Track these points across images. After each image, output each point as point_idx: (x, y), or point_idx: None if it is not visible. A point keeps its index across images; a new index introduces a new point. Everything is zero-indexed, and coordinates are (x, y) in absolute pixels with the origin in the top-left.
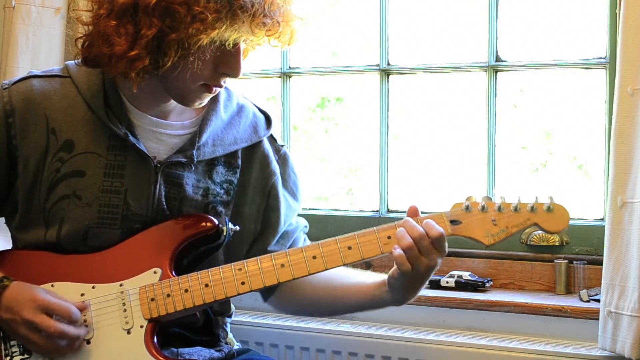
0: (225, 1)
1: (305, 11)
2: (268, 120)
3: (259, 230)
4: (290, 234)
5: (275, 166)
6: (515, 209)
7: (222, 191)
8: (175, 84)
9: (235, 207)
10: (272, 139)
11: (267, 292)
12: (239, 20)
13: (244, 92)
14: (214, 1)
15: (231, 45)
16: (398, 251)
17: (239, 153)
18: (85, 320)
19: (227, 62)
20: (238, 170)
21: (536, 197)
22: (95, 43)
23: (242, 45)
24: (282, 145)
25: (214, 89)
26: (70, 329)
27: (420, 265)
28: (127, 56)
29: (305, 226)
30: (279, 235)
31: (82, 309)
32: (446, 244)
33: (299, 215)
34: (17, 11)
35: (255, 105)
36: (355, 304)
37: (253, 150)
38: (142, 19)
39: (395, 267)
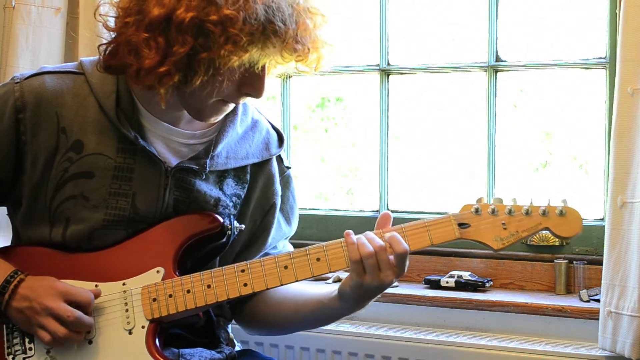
0: (259, 24)
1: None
2: (280, 139)
3: (246, 245)
4: None
5: (278, 187)
6: (527, 213)
7: (231, 204)
8: (197, 99)
9: (237, 221)
10: (279, 160)
11: (237, 308)
12: (271, 44)
13: (258, 107)
14: (249, 24)
15: (260, 68)
16: (355, 251)
17: (248, 168)
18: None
19: (251, 83)
20: (246, 186)
21: (549, 200)
22: (121, 51)
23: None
24: (288, 168)
25: (230, 104)
26: (84, 317)
27: (375, 279)
28: (157, 72)
29: (289, 252)
30: (260, 255)
31: (97, 295)
32: (406, 267)
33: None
34: (17, 11)
35: (269, 122)
36: (308, 316)
37: (261, 167)
38: (175, 35)
39: (348, 276)
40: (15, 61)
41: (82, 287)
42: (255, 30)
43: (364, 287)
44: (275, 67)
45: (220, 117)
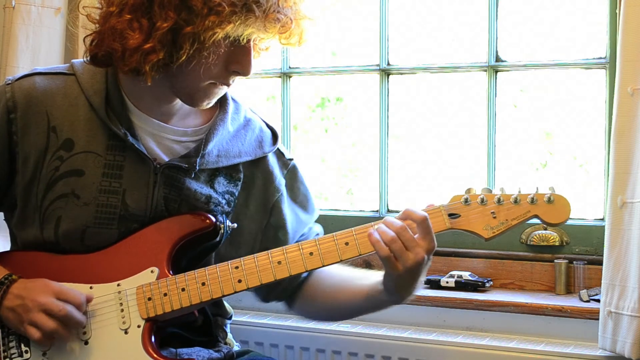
0: None
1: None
2: (274, 137)
3: (268, 248)
4: None
5: (280, 183)
6: (515, 201)
7: (223, 201)
8: (186, 81)
9: (234, 220)
10: (279, 153)
11: (291, 299)
12: (253, 15)
13: (251, 106)
14: None
15: (244, 41)
16: (383, 247)
17: (241, 167)
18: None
19: (238, 59)
20: (239, 183)
21: (537, 188)
22: (106, 39)
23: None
24: (291, 159)
25: (222, 86)
26: (76, 313)
27: (407, 262)
28: (142, 49)
29: (317, 233)
30: None
31: (89, 300)
32: (433, 235)
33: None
34: (17, 11)
35: (262, 120)
36: (357, 307)
37: (257, 165)
38: (157, 12)
39: (384, 270)
40: (15, 61)
41: (76, 289)
42: (237, 0)
43: (402, 272)
44: (261, 43)
45: (213, 101)
